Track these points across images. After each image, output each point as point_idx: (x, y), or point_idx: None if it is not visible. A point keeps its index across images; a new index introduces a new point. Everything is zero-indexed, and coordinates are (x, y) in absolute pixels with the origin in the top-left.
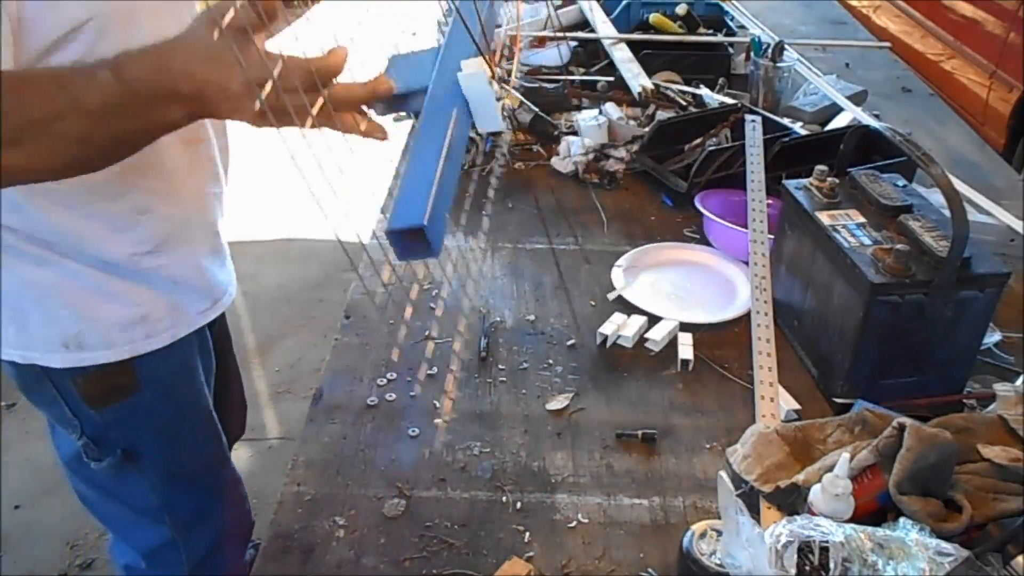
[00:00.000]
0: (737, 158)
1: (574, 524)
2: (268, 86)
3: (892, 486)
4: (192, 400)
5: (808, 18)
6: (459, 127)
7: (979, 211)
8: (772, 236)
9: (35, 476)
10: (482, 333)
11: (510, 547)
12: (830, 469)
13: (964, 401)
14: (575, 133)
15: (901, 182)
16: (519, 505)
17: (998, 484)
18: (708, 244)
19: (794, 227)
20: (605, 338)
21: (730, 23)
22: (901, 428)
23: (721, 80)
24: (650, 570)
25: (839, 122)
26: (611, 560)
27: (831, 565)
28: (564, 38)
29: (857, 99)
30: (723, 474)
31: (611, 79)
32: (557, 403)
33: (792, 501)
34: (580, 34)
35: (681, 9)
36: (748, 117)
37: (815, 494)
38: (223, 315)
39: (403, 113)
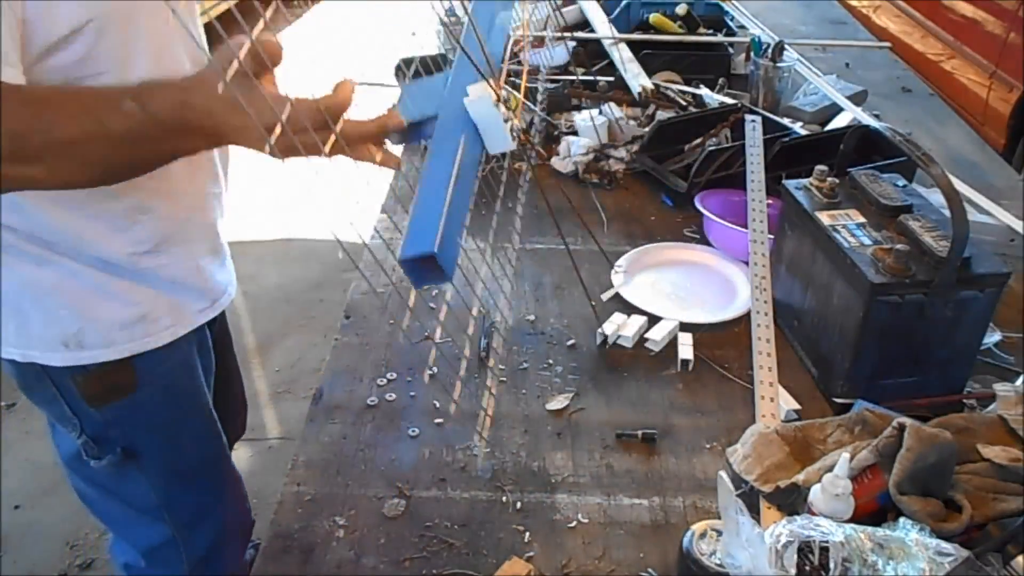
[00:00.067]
0: (737, 158)
1: (574, 524)
2: (278, 129)
3: (892, 486)
4: (192, 399)
5: (808, 18)
6: (468, 152)
7: (979, 211)
8: (772, 236)
9: (35, 476)
10: (482, 333)
11: (510, 547)
12: (830, 469)
13: (964, 401)
14: (575, 133)
15: (901, 182)
16: (519, 505)
17: (998, 484)
18: (708, 244)
19: (794, 227)
20: (605, 338)
21: (730, 23)
22: (901, 428)
23: (721, 80)
24: (650, 570)
25: (839, 122)
26: (611, 560)
27: (831, 565)
28: (564, 38)
29: (857, 99)
30: (723, 474)
31: (611, 79)
32: (557, 403)
33: (792, 501)
34: (580, 34)
35: (681, 9)
36: (748, 117)
37: (815, 494)
38: (223, 315)
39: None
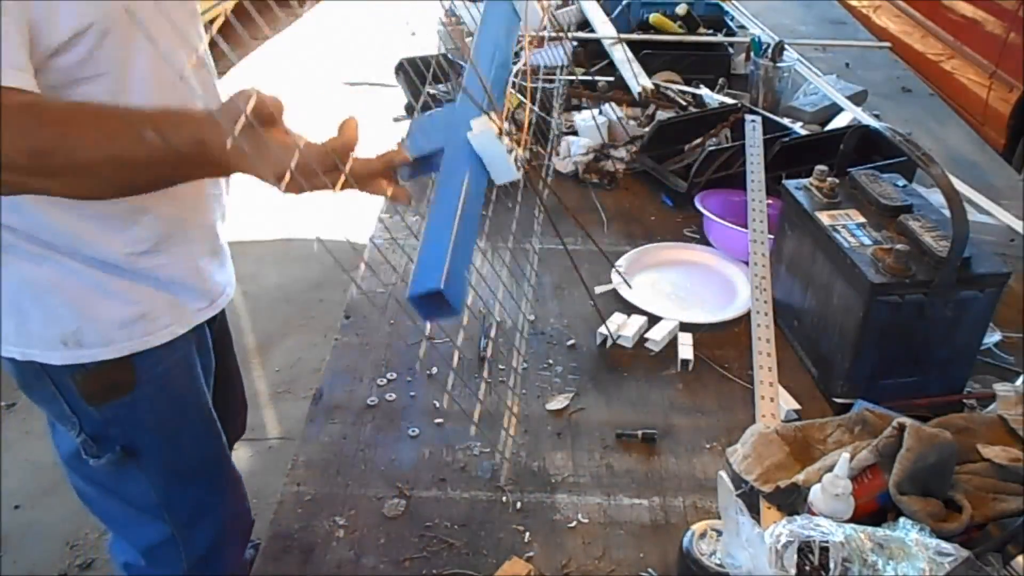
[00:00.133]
0: (737, 158)
1: (574, 524)
2: (287, 176)
3: (892, 486)
4: (191, 398)
5: (808, 18)
6: (473, 185)
7: (979, 211)
8: (772, 236)
9: (35, 476)
10: (482, 333)
11: (510, 547)
12: (830, 469)
13: (964, 401)
14: (575, 133)
15: (901, 182)
16: (519, 505)
17: (998, 484)
18: (708, 244)
19: (794, 227)
20: (605, 338)
21: (730, 23)
22: (901, 428)
23: (721, 80)
24: (650, 570)
25: (839, 122)
26: (611, 560)
27: (831, 565)
28: (564, 38)
29: (857, 99)
30: (723, 474)
31: (611, 79)
32: (557, 403)
33: (792, 501)
34: (580, 34)
35: (681, 9)
36: (748, 117)
37: (815, 494)
38: (223, 314)
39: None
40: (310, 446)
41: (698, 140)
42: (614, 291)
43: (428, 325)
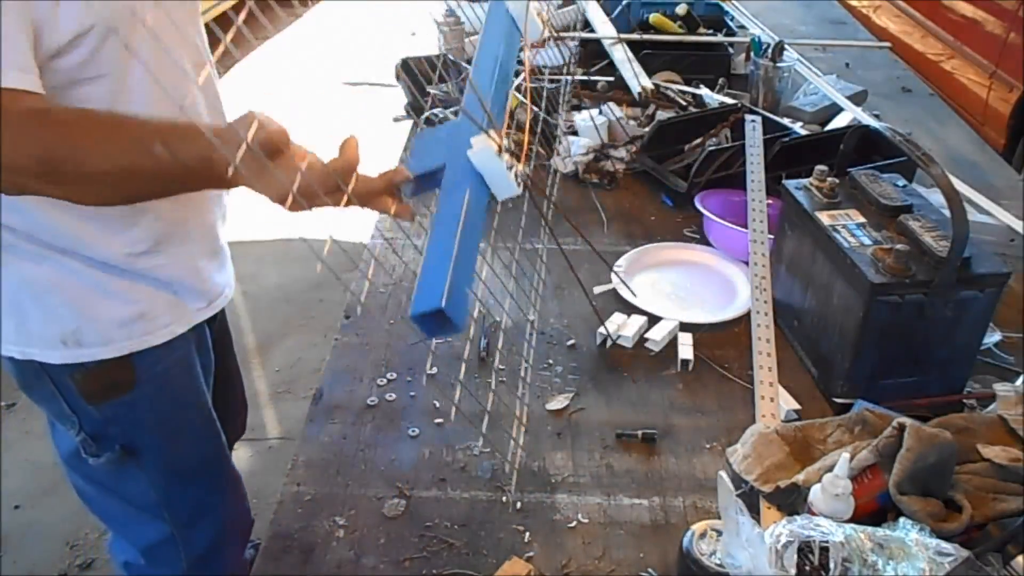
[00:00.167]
0: (737, 158)
1: (574, 524)
2: (290, 198)
3: (892, 486)
4: (190, 397)
5: (808, 18)
6: (473, 202)
7: (979, 211)
8: (772, 236)
9: (35, 476)
10: (482, 333)
11: (510, 547)
12: (830, 469)
13: (964, 401)
14: (575, 133)
15: (901, 182)
16: (519, 505)
17: (998, 484)
18: (708, 244)
19: (794, 227)
20: (605, 338)
21: (730, 23)
22: (901, 428)
23: (721, 80)
24: (650, 570)
25: (839, 122)
26: (611, 560)
27: (831, 565)
28: (564, 38)
29: (857, 99)
30: (723, 474)
31: (611, 79)
32: (557, 403)
33: (792, 501)
34: (580, 34)
35: (681, 9)
36: (748, 117)
37: (815, 494)
38: (223, 314)
39: (403, 117)
40: (310, 446)
41: (698, 140)
42: (614, 291)
43: None
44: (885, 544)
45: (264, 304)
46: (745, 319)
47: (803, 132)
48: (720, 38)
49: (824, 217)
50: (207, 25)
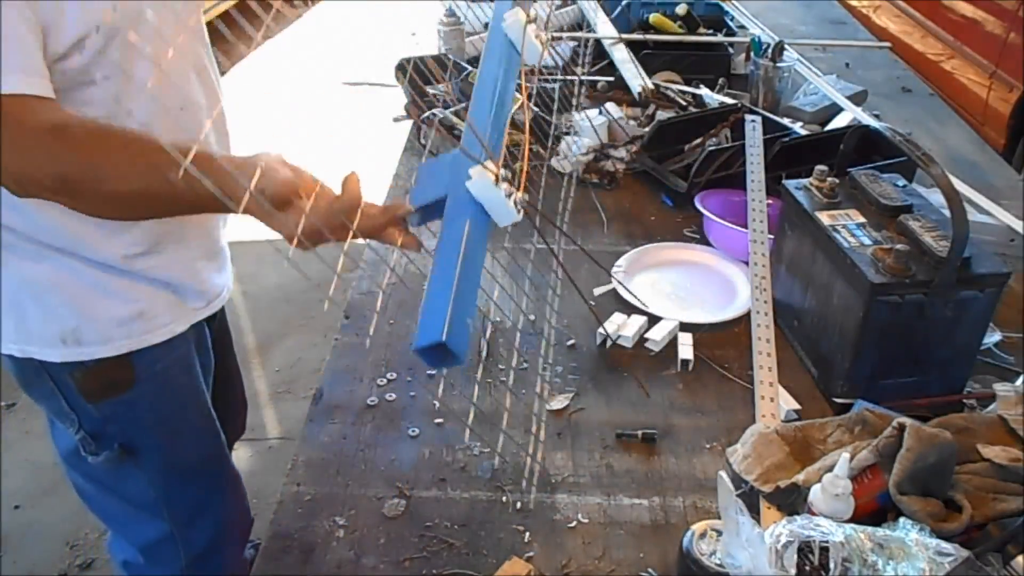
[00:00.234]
0: (737, 158)
1: (574, 524)
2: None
3: (892, 486)
4: (190, 396)
5: (808, 18)
6: (474, 231)
7: (979, 211)
8: (772, 236)
9: (35, 476)
10: (482, 333)
11: (510, 547)
12: (830, 469)
13: (964, 401)
14: (575, 133)
15: (901, 182)
16: (519, 505)
17: (998, 484)
18: (708, 244)
19: (794, 227)
20: (605, 338)
21: (730, 23)
22: (901, 428)
23: (721, 80)
24: (650, 570)
25: (839, 122)
26: (611, 560)
27: (831, 565)
28: (564, 38)
29: (857, 99)
30: (723, 474)
31: (611, 79)
32: (557, 403)
33: (792, 501)
34: (580, 34)
35: (681, 9)
36: (748, 117)
37: (815, 494)
38: (223, 314)
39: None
40: (310, 446)
41: (698, 140)
42: (614, 291)
43: None
44: (885, 544)
45: (264, 304)
46: (745, 319)
47: (803, 132)
48: (720, 38)
49: (824, 217)
50: (209, 24)
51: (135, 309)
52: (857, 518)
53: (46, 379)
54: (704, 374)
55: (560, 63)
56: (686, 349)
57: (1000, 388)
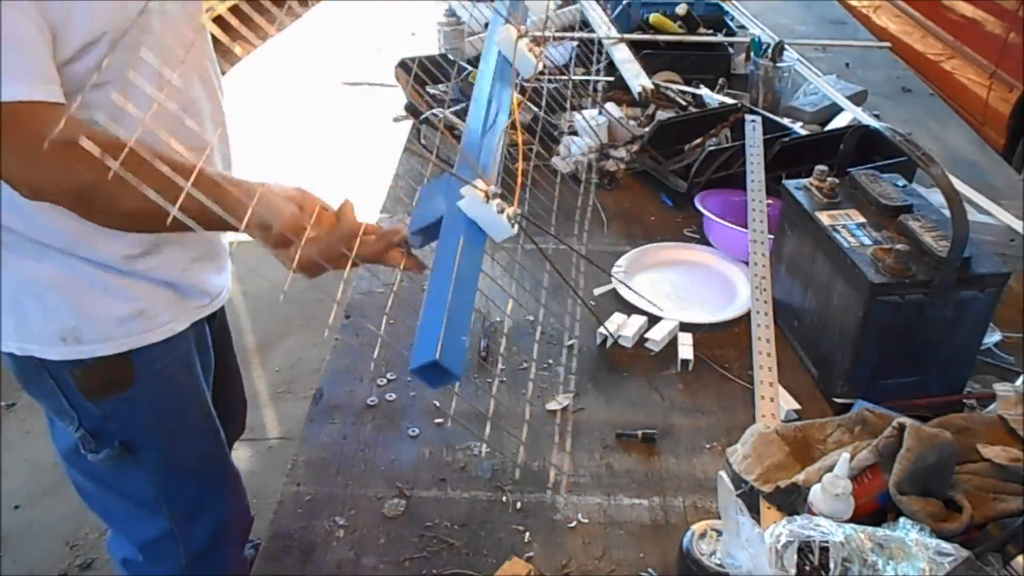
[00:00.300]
0: (737, 158)
1: (574, 524)
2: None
3: (892, 486)
4: (190, 394)
5: (808, 18)
6: (468, 249)
7: (979, 211)
8: (772, 236)
9: (35, 476)
10: (482, 333)
11: (510, 547)
12: (830, 469)
13: (964, 401)
14: (575, 133)
15: (901, 182)
16: (519, 505)
17: (998, 484)
18: (708, 244)
19: (794, 227)
20: (605, 338)
21: (730, 23)
22: (901, 428)
23: (721, 80)
24: (650, 570)
25: (839, 122)
26: (611, 560)
27: (831, 565)
28: (564, 38)
29: (857, 99)
30: (723, 474)
31: (611, 79)
32: (557, 403)
33: (792, 501)
34: (580, 34)
35: (681, 9)
36: (748, 117)
37: (815, 494)
38: (223, 313)
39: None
40: (310, 446)
41: (698, 140)
42: (614, 291)
43: None
44: (885, 544)
45: (264, 304)
46: (745, 319)
47: (803, 132)
48: (720, 38)
49: (824, 217)
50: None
51: (135, 308)
52: (857, 518)
53: (46, 377)
54: (704, 374)
55: (563, 63)
56: (686, 349)
57: (1000, 388)
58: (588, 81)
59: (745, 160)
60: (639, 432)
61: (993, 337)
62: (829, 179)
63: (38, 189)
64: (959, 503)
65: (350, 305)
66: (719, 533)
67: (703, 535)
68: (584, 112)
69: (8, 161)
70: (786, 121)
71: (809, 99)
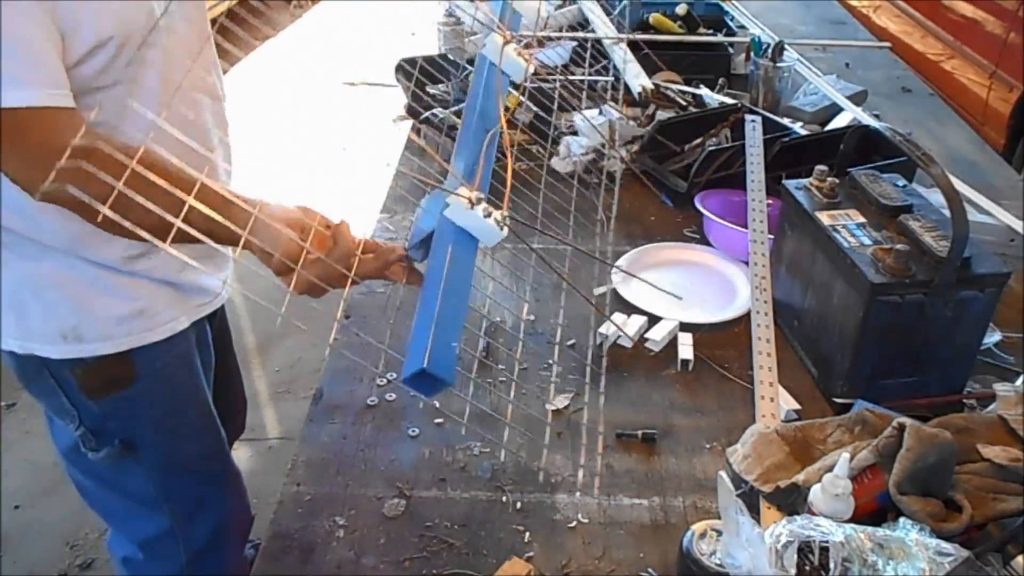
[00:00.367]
0: (737, 158)
1: (574, 524)
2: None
3: (892, 486)
4: (190, 392)
5: (808, 18)
6: (457, 256)
7: (979, 211)
8: (772, 236)
9: (35, 476)
10: (482, 333)
11: (510, 547)
12: (830, 469)
13: (964, 401)
14: (575, 133)
15: (901, 182)
16: (519, 505)
17: (998, 484)
18: (708, 244)
19: (794, 227)
20: (605, 338)
21: (730, 23)
22: (901, 428)
23: (721, 80)
24: (650, 570)
25: (839, 122)
26: (611, 560)
27: (831, 565)
28: (564, 38)
29: (857, 99)
30: (723, 474)
31: (610, 79)
32: (557, 403)
33: (792, 501)
34: (580, 34)
35: (681, 9)
36: (748, 117)
37: (815, 494)
38: (223, 312)
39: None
40: (310, 446)
41: (698, 140)
42: (614, 291)
43: None
44: (885, 544)
45: (264, 304)
46: (745, 319)
47: (803, 132)
48: (720, 38)
49: (824, 217)
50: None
51: (135, 307)
52: (857, 518)
53: (47, 375)
54: (704, 374)
55: (563, 64)
56: (686, 349)
57: (1000, 388)
58: (587, 81)
59: (745, 160)
60: (639, 432)
61: (993, 337)
62: (829, 179)
63: (47, 194)
64: (959, 503)
65: (350, 305)
66: (719, 533)
67: (703, 535)
68: (584, 112)
69: (19, 166)
70: (786, 121)
71: (809, 99)
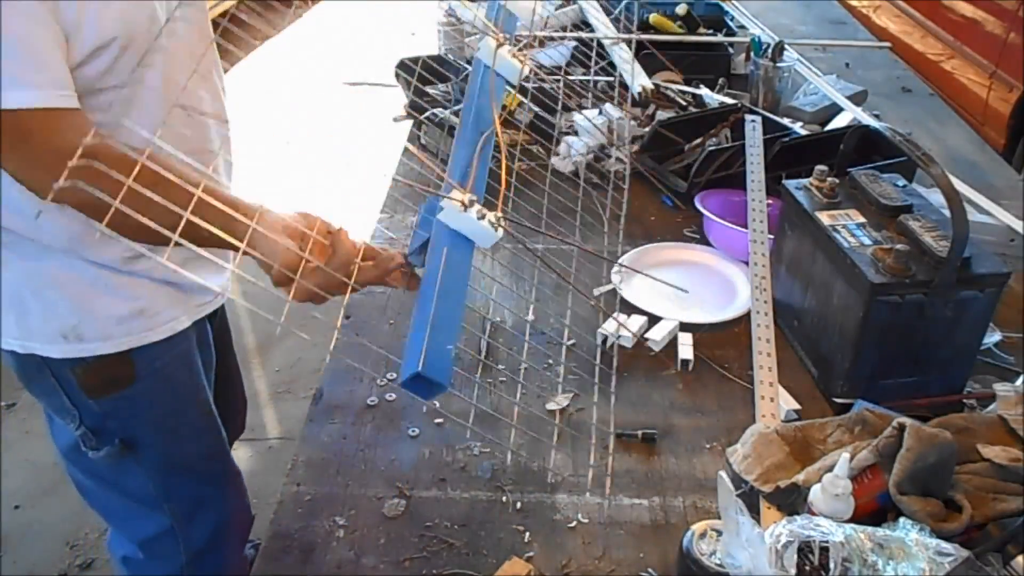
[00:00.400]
0: (737, 158)
1: (574, 524)
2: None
3: (892, 486)
4: (190, 392)
5: (808, 18)
6: (453, 259)
7: (979, 211)
8: (772, 236)
9: (35, 476)
10: (482, 333)
11: (510, 547)
12: (830, 469)
13: (964, 401)
14: (575, 133)
15: (901, 182)
16: (519, 505)
17: (998, 484)
18: (708, 244)
19: (794, 227)
20: (605, 338)
21: (730, 23)
22: (901, 428)
23: (721, 80)
24: (650, 570)
25: (839, 122)
26: (611, 560)
27: (831, 565)
28: (564, 38)
29: (857, 99)
30: (723, 474)
31: (611, 79)
32: (557, 403)
33: (792, 501)
34: (580, 34)
35: (681, 9)
36: (748, 117)
37: (815, 494)
38: (223, 312)
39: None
40: (310, 446)
41: (698, 140)
42: (614, 291)
43: None
44: (885, 544)
45: (264, 304)
46: (745, 319)
47: (803, 132)
48: (720, 38)
49: (824, 217)
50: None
51: (136, 307)
52: (857, 518)
53: (47, 375)
54: (704, 374)
55: (564, 64)
56: (686, 349)
57: (1000, 388)
58: (587, 81)
59: (745, 160)
60: (639, 432)
61: (993, 337)
62: (829, 179)
63: (60, 194)
64: (959, 503)
65: (350, 305)
66: (719, 533)
67: (703, 535)
68: (584, 112)
69: (23, 167)
70: (786, 121)
71: (809, 99)
